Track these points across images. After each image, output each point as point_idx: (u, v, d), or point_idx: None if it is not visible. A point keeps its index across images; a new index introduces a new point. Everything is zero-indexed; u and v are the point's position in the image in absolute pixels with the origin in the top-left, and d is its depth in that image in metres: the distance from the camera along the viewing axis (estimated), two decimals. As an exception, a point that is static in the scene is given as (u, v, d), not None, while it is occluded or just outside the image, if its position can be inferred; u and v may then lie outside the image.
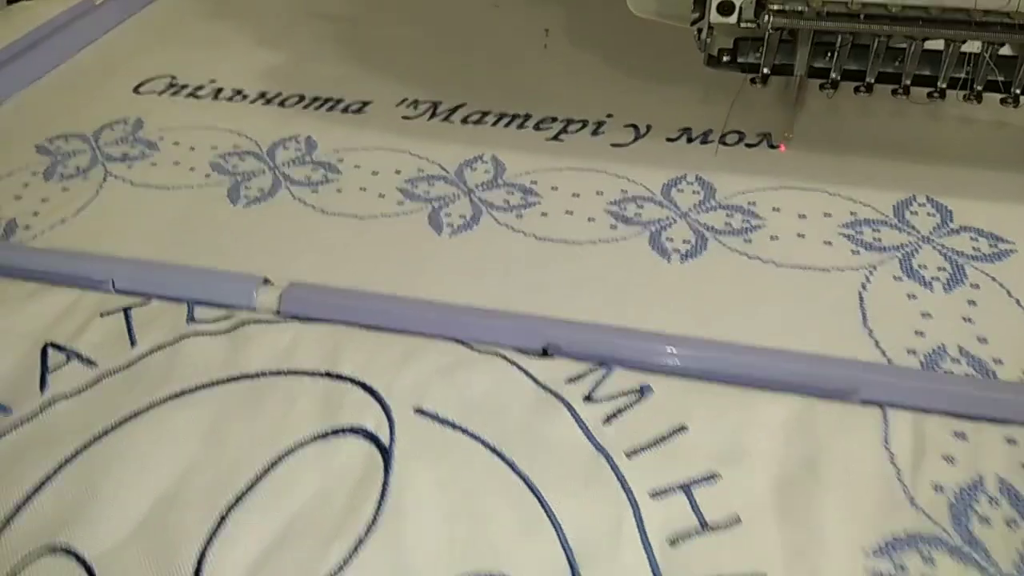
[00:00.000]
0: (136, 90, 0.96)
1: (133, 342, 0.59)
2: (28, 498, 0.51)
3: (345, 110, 0.91)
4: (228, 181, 0.80)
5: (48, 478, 0.52)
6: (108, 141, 0.86)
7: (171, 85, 0.97)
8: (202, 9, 1.15)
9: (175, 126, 0.88)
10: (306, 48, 1.03)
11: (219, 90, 0.95)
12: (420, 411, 0.54)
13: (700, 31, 0.76)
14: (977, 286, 0.64)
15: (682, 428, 0.52)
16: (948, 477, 0.48)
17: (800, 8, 0.68)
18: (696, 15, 0.75)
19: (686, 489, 0.49)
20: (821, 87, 0.75)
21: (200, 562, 0.47)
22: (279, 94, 0.94)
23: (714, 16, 0.71)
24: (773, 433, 0.51)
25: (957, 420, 0.51)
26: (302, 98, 0.93)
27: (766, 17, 0.68)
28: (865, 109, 0.85)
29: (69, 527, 0.49)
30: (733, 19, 0.71)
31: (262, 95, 0.94)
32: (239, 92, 0.95)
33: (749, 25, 0.71)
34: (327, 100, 0.92)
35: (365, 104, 0.92)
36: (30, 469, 0.52)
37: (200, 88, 0.96)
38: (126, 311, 0.62)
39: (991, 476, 0.48)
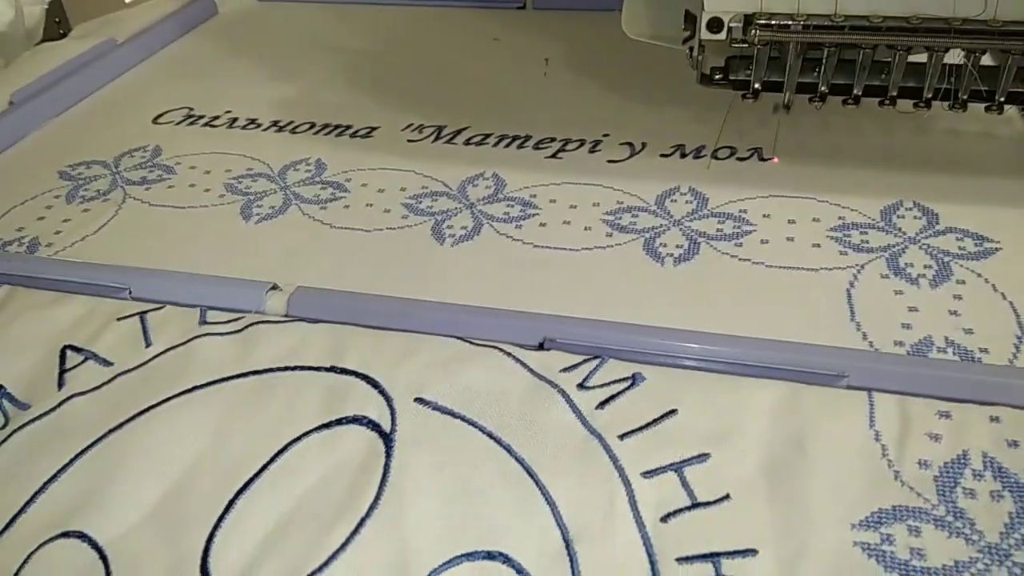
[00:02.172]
0: (155, 121, 1.00)
1: (148, 343, 0.62)
2: (44, 486, 0.53)
3: (353, 135, 0.95)
4: (241, 200, 0.83)
5: (63, 468, 0.54)
6: (128, 167, 0.90)
7: (188, 116, 1.01)
8: (217, 47, 1.21)
9: (191, 152, 0.93)
10: (316, 79, 1.08)
11: (234, 119, 0.99)
12: (420, 400, 0.56)
13: (691, 50, 0.79)
14: (963, 282, 0.66)
15: (673, 412, 0.53)
16: (933, 454, 0.49)
17: (786, 22, 0.72)
18: (687, 33, 0.79)
19: (677, 469, 0.50)
20: (810, 100, 0.78)
21: (208, 545, 0.49)
22: (291, 122, 0.98)
23: (704, 34, 0.75)
24: (762, 416, 0.52)
25: (942, 402, 0.52)
26: (312, 125, 0.97)
27: (753, 31, 0.72)
28: (855, 123, 0.88)
29: (83, 513, 0.51)
30: (722, 36, 0.74)
31: (274, 123, 0.98)
32: (253, 121, 0.99)
33: (739, 44, 0.75)
34: (336, 127, 0.97)
35: (372, 129, 0.95)
36: (47, 460, 0.54)
37: (216, 118, 1.00)
38: (142, 316, 0.64)
39: (976, 452, 0.49)
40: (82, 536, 0.50)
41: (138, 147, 0.94)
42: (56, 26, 1.78)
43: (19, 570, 0.48)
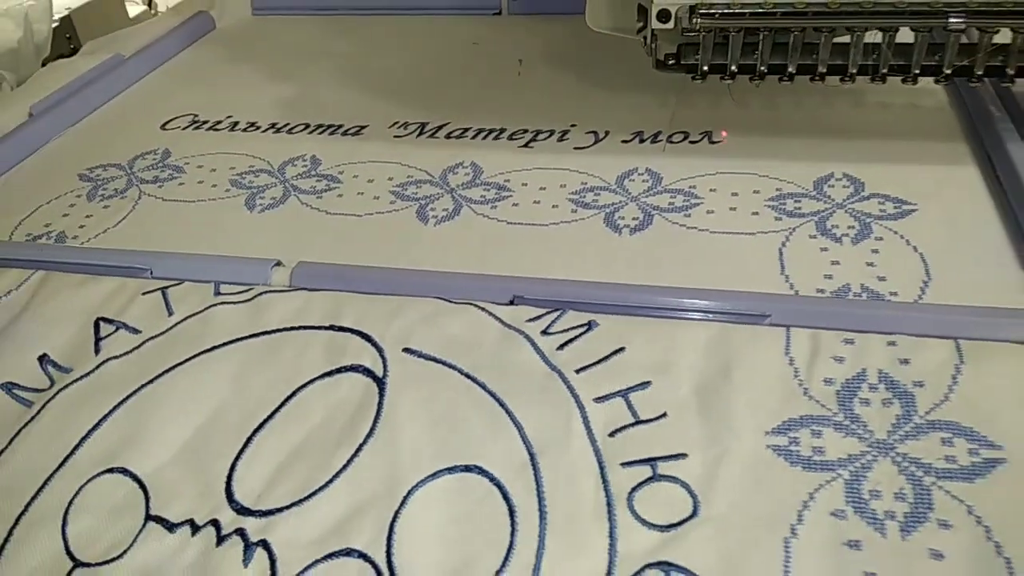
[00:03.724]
0: (163, 127, 1.10)
1: (170, 312, 0.71)
2: (89, 433, 0.62)
3: (345, 133, 1.04)
4: (245, 193, 0.93)
5: (104, 417, 0.63)
6: (141, 168, 1.00)
7: (193, 121, 1.11)
8: (217, 58, 1.31)
9: (198, 153, 1.02)
10: (309, 84, 1.18)
11: (235, 123, 1.09)
12: (407, 350, 0.65)
13: (645, 39, 0.89)
14: (881, 239, 0.75)
15: (621, 350, 0.62)
16: (836, 372, 0.59)
17: (725, 11, 0.81)
18: (640, 24, 0.88)
19: (623, 395, 0.59)
20: (750, 79, 0.87)
21: (231, 473, 0.58)
22: (287, 123, 1.08)
23: (655, 23, 0.84)
24: (696, 350, 0.62)
25: (848, 332, 0.62)
26: (307, 125, 1.07)
27: (696, 20, 0.81)
28: (797, 101, 0.98)
29: (124, 452, 0.60)
30: (671, 25, 0.84)
31: (272, 125, 1.08)
32: (253, 124, 1.08)
33: (689, 33, 0.84)
34: (329, 126, 1.06)
35: (362, 127, 1.05)
36: (90, 411, 0.64)
37: (219, 123, 1.10)
38: (163, 290, 0.74)
39: (873, 369, 0.58)
40: (124, 471, 0.59)
41: (149, 150, 1.04)
42: (67, 42, 1.88)
43: (72, 499, 0.58)
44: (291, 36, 1.39)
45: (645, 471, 0.54)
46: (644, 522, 0.52)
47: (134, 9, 2.31)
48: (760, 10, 0.80)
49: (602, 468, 0.55)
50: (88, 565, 0.53)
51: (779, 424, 0.56)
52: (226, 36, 1.41)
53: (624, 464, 0.55)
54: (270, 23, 1.45)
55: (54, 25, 1.85)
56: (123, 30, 1.39)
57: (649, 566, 0.49)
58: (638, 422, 0.58)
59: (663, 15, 0.84)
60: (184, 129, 1.09)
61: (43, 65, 1.58)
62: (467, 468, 0.56)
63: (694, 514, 0.51)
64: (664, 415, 0.58)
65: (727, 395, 0.58)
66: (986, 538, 0.48)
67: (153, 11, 2.34)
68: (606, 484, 0.54)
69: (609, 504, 0.53)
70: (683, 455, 0.55)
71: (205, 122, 1.10)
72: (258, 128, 1.08)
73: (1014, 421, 0.54)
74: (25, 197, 0.96)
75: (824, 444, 0.54)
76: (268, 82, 1.20)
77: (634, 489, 0.54)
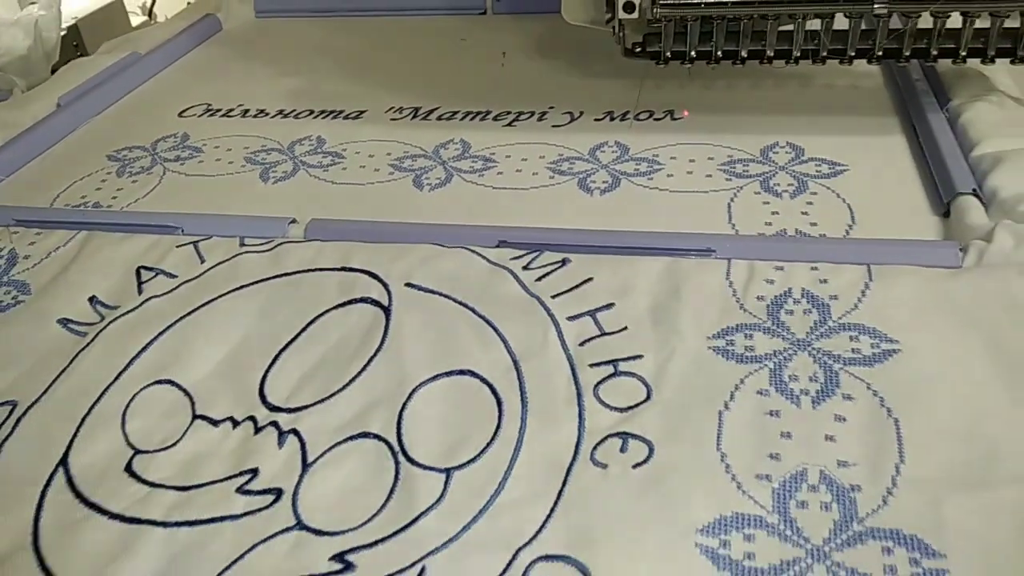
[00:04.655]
0: (180, 115, 1.21)
1: (202, 260, 0.82)
2: (138, 354, 0.73)
3: (346, 118, 1.16)
4: (259, 168, 1.04)
5: (151, 342, 0.74)
6: (163, 149, 1.11)
7: (207, 110, 1.22)
8: (226, 56, 1.42)
9: (214, 136, 1.13)
10: (312, 77, 1.29)
11: (246, 111, 1.20)
12: (409, 284, 0.76)
13: (614, 29, 1.01)
14: (815, 193, 0.87)
15: (590, 280, 0.74)
16: (768, 291, 0.70)
17: (683, 2, 0.93)
18: (609, 15, 1.01)
19: (591, 314, 0.71)
20: (707, 63, 1.00)
21: (263, 382, 0.69)
22: (293, 110, 1.19)
23: (621, 14, 0.96)
24: (651, 278, 0.73)
25: (778, 261, 0.74)
26: (312, 111, 1.18)
27: (656, 10, 0.93)
28: (752, 82, 1.10)
29: (169, 368, 0.71)
30: (636, 15, 0.96)
31: (280, 111, 1.19)
32: (262, 111, 1.20)
33: (654, 24, 0.96)
34: (332, 111, 1.17)
35: (361, 112, 1.16)
36: (137, 336, 0.74)
37: (231, 110, 1.21)
38: (195, 243, 0.85)
39: (797, 288, 0.70)
40: (170, 382, 0.70)
41: (169, 134, 1.15)
42: (74, 49, 1.99)
43: (128, 404, 0.68)
44: (292, 35, 1.50)
45: (608, 369, 0.66)
46: (607, 406, 0.63)
47: (135, 19, 2.42)
48: (716, 1, 0.93)
49: (573, 368, 0.66)
50: (146, 452, 0.64)
51: (718, 331, 0.68)
52: (232, 36, 1.52)
53: (591, 365, 0.66)
54: (272, 24, 1.56)
55: (62, 33, 1.96)
56: (137, 31, 1.51)
57: (610, 436, 0.60)
58: (603, 334, 0.69)
59: (628, 7, 0.96)
60: (199, 116, 1.20)
61: (52, 72, 1.69)
62: (461, 372, 0.67)
63: (648, 399, 0.63)
64: (625, 328, 0.69)
65: (676, 311, 0.70)
66: (880, 405, 0.59)
67: (152, 20, 2.45)
68: (576, 380, 0.65)
69: (579, 394, 0.64)
70: (639, 356, 0.66)
71: (218, 110, 1.21)
72: (267, 114, 1.19)
73: (910, 322, 0.65)
74: (60, 175, 1.07)
75: (754, 344, 0.66)
76: (274, 75, 1.32)
77: (599, 383, 0.65)
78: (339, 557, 0.54)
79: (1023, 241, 0.70)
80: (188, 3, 2.28)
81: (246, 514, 0.58)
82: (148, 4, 2.50)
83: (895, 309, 0.67)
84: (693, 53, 0.99)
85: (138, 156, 1.10)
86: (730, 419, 0.60)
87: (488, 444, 0.61)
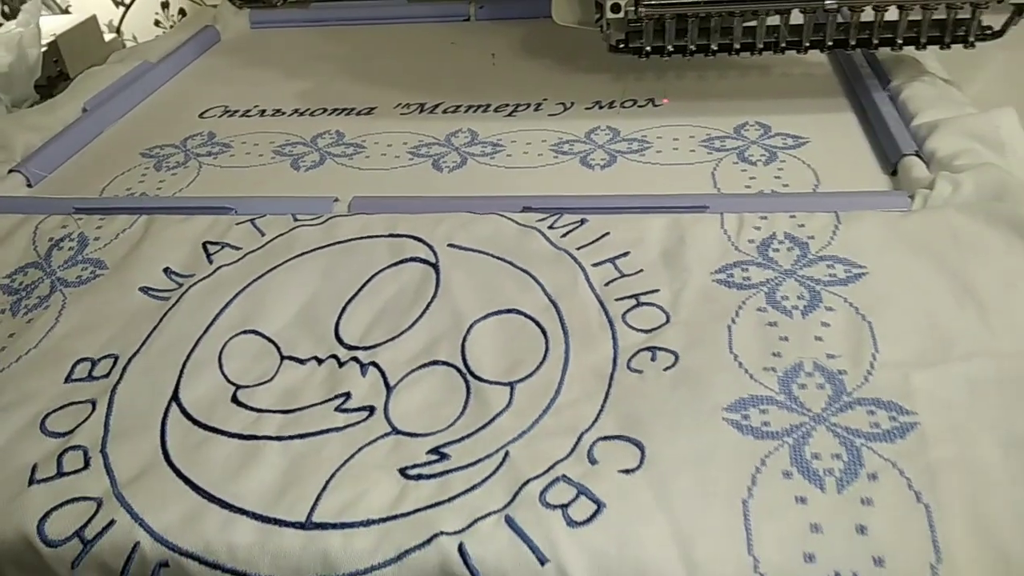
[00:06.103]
0: (201, 116, 1.31)
1: (262, 234, 0.93)
2: (221, 311, 0.84)
3: (359, 114, 1.27)
4: (288, 159, 1.15)
5: (229, 301, 0.85)
6: (193, 145, 1.21)
7: (226, 111, 1.32)
8: (231, 64, 1.52)
9: (238, 133, 1.24)
10: (319, 79, 1.40)
11: (263, 111, 1.31)
12: (451, 245, 0.88)
13: (602, 28, 1.15)
14: (784, 161, 1.02)
15: (607, 234, 0.87)
16: (756, 235, 0.85)
17: (662, 2, 1.08)
18: (598, 15, 1.15)
19: (612, 260, 0.84)
20: (683, 56, 1.14)
21: (336, 328, 0.81)
22: (308, 108, 1.30)
23: (609, 14, 1.10)
24: (658, 231, 0.87)
25: (762, 212, 0.88)
26: (325, 109, 1.29)
27: (640, 10, 1.08)
28: (721, 72, 1.26)
29: (251, 320, 0.82)
30: (621, 14, 1.10)
31: (295, 110, 1.30)
32: (278, 111, 1.30)
33: (635, 24, 1.11)
34: (344, 109, 1.29)
35: (372, 109, 1.28)
36: (217, 297, 0.85)
37: (249, 111, 1.31)
38: (252, 220, 0.95)
39: (780, 232, 0.85)
40: (255, 332, 0.81)
41: (195, 133, 1.25)
42: (55, 64, 2.05)
43: (222, 349, 0.79)
44: (289, 44, 1.61)
45: (631, 302, 0.79)
46: (634, 328, 0.76)
47: (107, 36, 2.49)
48: (689, 0, 1.08)
49: (602, 303, 0.80)
50: (247, 387, 0.75)
51: (719, 267, 0.82)
52: (232, 46, 1.63)
53: (617, 299, 0.80)
54: (268, 35, 1.67)
55: (43, 50, 2.02)
56: (142, 43, 1.60)
57: (641, 350, 0.74)
58: (623, 276, 0.82)
59: (615, 8, 1.11)
60: (220, 117, 1.31)
61: (35, 88, 1.75)
62: (508, 311, 0.80)
63: (667, 321, 0.76)
64: (641, 271, 0.83)
65: (682, 254, 0.84)
66: (856, 313, 0.74)
67: (120, 37, 2.52)
68: (606, 311, 0.78)
69: (610, 322, 0.77)
70: (656, 290, 0.80)
71: (237, 111, 1.32)
72: (283, 113, 1.30)
73: (874, 252, 0.80)
74: (99, 171, 1.16)
75: (750, 275, 0.80)
76: (282, 79, 1.42)
77: (625, 312, 0.78)
78: (434, 451, 0.66)
79: (959, 187, 0.86)
80: (156, 23, 2.39)
81: (347, 426, 0.70)
82: (116, 23, 2.57)
83: (861, 243, 0.82)
84: (671, 48, 1.14)
85: (171, 152, 1.20)
86: (737, 331, 0.74)
87: (540, 363, 0.74)
